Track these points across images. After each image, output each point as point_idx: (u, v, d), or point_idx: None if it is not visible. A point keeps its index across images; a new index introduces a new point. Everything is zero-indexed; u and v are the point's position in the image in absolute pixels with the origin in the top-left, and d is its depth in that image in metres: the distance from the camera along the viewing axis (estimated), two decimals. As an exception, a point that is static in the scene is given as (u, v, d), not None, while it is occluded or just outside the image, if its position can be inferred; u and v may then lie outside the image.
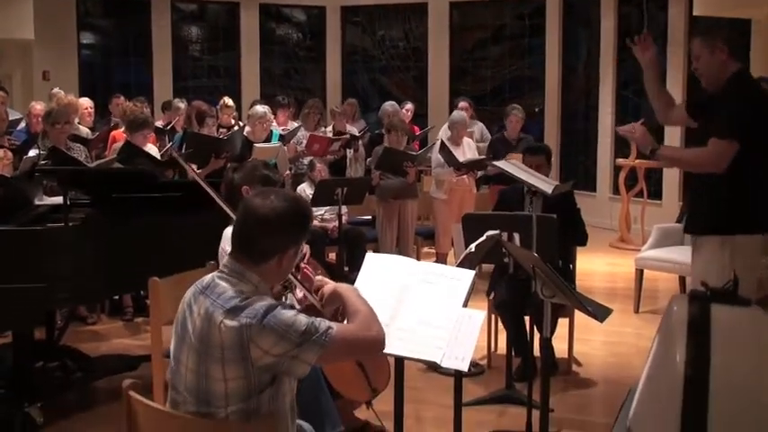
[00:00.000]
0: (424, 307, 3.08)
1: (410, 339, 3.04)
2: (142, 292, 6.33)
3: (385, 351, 3.03)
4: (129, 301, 6.56)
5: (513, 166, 4.57)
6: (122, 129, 7.17)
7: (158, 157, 6.45)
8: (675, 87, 9.95)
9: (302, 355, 2.32)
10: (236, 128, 8.28)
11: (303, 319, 2.35)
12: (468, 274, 3.14)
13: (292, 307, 2.43)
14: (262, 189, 2.59)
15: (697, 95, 4.41)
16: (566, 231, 4.86)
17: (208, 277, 2.47)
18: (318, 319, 2.40)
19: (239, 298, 2.34)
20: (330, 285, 2.68)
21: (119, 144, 6.65)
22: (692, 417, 1.80)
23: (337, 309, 2.63)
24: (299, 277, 2.82)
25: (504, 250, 4.44)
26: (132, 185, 4.83)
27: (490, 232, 3.65)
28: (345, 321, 2.59)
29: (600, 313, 3.29)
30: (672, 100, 4.33)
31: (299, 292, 2.89)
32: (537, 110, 12.06)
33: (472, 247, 3.52)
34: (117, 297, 6.59)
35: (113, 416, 2.43)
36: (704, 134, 3.80)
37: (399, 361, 3.27)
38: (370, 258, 3.28)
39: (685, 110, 4.18)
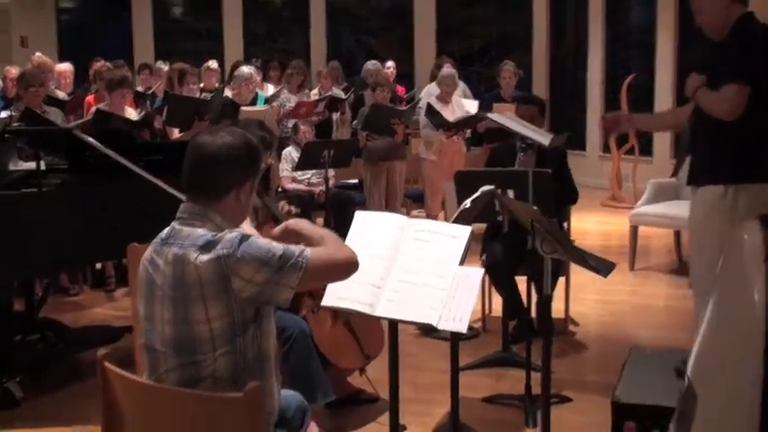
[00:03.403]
0: (417, 266, 2.91)
1: (404, 301, 2.87)
2: (125, 261, 6.14)
3: (377, 314, 2.89)
4: (111, 270, 6.37)
5: (507, 118, 4.39)
6: (94, 92, 6.93)
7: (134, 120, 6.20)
8: (666, 45, 9.79)
9: (283, 279, 2.27)
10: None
11: (277, 244, 2.30)
12: (465, 231, 2.96)
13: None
14: (210, 127, 2.52)
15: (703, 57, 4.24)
16: (556, 190, 4.72)
17: (164, 231, 2.37)
18: (290, 245, 2.34)
19: (209, 234, 2.27)
20: (278, 227, 2.59)
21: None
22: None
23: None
24: None
25: (497, 208, 4.29)
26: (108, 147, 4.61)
27: (485, 187, 3.47)
28: None
29: (603, 268, 3.12)
30: (680, 112, 4.20)
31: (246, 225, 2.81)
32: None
33: (467, 202, 3.34)
34: (99, 267, 6.42)
35: (95, 389, 2.30)
36: (715, 81, 3.62)
37: (393, 325, 3.10)
38: (360, 216, 3.10)
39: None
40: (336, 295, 2.94)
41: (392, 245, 2.98)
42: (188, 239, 2.26)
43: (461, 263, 2.90)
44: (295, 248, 2.31)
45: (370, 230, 3.05)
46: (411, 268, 2.92)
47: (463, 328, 2.79)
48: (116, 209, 4.41)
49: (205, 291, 2.21)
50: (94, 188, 4.40)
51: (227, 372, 2.26)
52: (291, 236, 2.51)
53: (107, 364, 2.21)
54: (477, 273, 2.89)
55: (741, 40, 3.58)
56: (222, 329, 2.23)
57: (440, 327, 2.80)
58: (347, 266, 2.45)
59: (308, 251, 2.32)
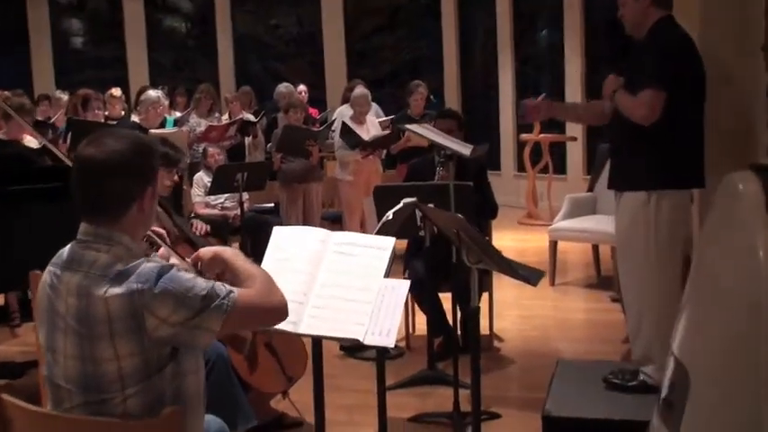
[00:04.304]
0: (341, 281, 2.77)
1: (327, 317, 2.72)
2: (30, 295, 5.82)
3: (301, 332, 2.74)
4: (15, 305, 6.04)
5: (427, 129, 4.31)
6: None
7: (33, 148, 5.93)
8: (573, 65, 9.95)
9: (204, 322, 2.03)
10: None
11: (202, 282, 2.06)
12: (388, 242, 2.84)
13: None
14: (89, 138, 2.25)
15: (620, 47, 4.24)
16: (477, 203, 4.67)
17: (65, 251, 2.12)
18: (218, 282, 2.11)
19: (120, 263, 2.02)
20: (209, 249, 2.35)
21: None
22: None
23: (219, 275, 2.29)
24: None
25: (419, 222, 4.20)
26: (5, 174, 4.37)
27: (407, 199, 3.38)
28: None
29: (532, 276, 3.05)
30: (594, 105, 4.18)
31: (163, 250, 2.56)
32: (433, 100, 11.85)
33: (389, 214, 3.24)
34: (2, 303, 6.09)
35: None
36: (632, 84, 3.60)
37: (317, 343, 2.95)
38: (278, 231, 2.95)
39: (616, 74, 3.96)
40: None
41: (313, 259, 2.83)
42: (94, 267, 2.02)
43: (386, 275, 2.78)
44: (222, 288, 2.07)
45: (290, 245, 2.90)
46: (334, 282, 2.78)
47: (391, 343, 2.66)
48: (15, 235, 4.17)
49: (114, 327, 1.97)
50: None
51: (141, 412, 2.02)
52: (219, 264, 2.28)
53: (5, 396, 2.00)
54: (403, 285, 2.76)
55: (658, 45, 3.59)
56: (134, 368, 1.99)
57: (366, 342, 2.66)
58: (277, 313, 2.24)
59: (236, 293, 2.09)
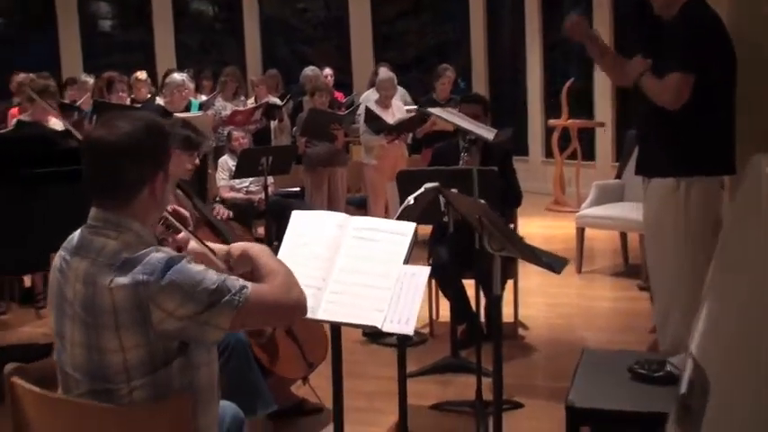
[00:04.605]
0: (359, 266, 2.72)
1: (346, 303, 2.67)
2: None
3: (319, 318, 2.69)
4: (40, 287, 6.06)
5: (450, 113, 4.23)
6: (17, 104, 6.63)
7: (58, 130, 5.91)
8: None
9: (213, 319, 1.95)
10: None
11: (212, 275, 1.97)
12: (409, 227, 2.77)
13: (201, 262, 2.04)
14: (101, 119, 2.19)
15: (649, 28, 4.06)
16: (502, 189, 4.58)
17: (75, 236, 2.06)
18: (232, 277, 2.03)
19: (127, 251, 1.95)
20: (240, 245, 2.30)
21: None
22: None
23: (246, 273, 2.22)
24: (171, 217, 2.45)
25: (443, 208, 4.13)
26: (31, 155, 4.35)
27: (429, 184, 3.31)
28: None
29: (556, 264, 2.96)
30: (628, 66, 3.99)
31: (183, 234, 2.47)
32: (461, 84, 11.74)
33: (410, 199, 3.17)
34: (29, 284, 6.12)
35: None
36: (659, 67, 3.49)
37: (336, 329, 2.90)
38: (297, 216, 2.90)
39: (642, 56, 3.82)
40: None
41: (332, 244, 2.78)
42: (102, 254, 1.96)
43: (406, 261, 2.72)
44: (234, 283, 2.00)
45: (308, 230, 2.85)
46: (353, 268, 2.73)
47: (410, 331, 2.60)
48: (39, 216, 4.15)
49: (119, 319, 1.91)
50: (17, 195, 4.12)
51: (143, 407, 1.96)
52: (248, 261, 2.22)
53: (15, 379, 1.97)
54: (423, 271, 2.70)
55: (688, 28, 3.47)
56: (139, 360, 1.93)
57: (385, 329, 2.60)
58: (291, 311, 2.15)
59: (249, 289, 2.01)
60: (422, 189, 3.26)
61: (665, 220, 3.58)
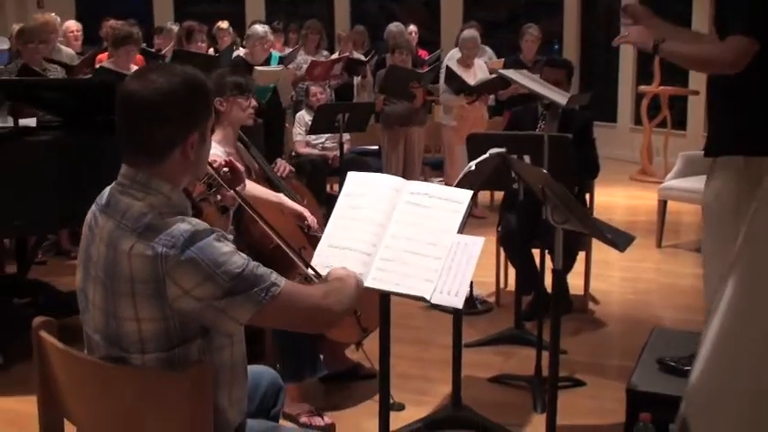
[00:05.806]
0: (411, 233, 2.59)
1: (395, 271, 2.55)
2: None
3: (367, 285, 2.59)
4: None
5: (522, 75, 4.03)
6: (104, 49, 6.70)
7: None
8: (700, 13, 9.34)
9: (231, 309, 1.82)
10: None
11: (239, 259, 1.83)
12: (465, 195, 2.63)
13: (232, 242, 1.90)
14: (137, 70, 2.06)
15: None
16: (578, 159, 4.37)
17: (106, 192, 1.95)
18: (268, 270, 1.89)
19: (152, 214, 1.84)
20: (339, 270, 2.28)
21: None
22: None
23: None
24: (221, 172, 2.36)
25: (513, 175, 3.97)
26: (106, 102, 4.35)
27: (494, 150, 3.16)
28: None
29: (621, 241, 2.80)
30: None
31: (231, 194, 2.38)
32: (555, 46, 11.37)
33: (472, 165, 3.03)
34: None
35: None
36: (722, 31, 3.17)
37: (385, 296, 2.81)
38: (352, 177, 2.79)
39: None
40: (325, 262, 2.64)
41: (386, 209, 2.66)
42: (126, 216, 1.85)
43: (460, 231, 2.59)
44: (266, 274, 1.86)
45: (363, 192, 2.74)
46: (404, 235, 2.61)
47: (459, 304, 2.47)
48: (104, 167, 4.15)
49: (136, 288, 1.81)
50: (83, 145, 4.12)
51: (159, 372, 1.87)
52: (335, 282, 2.16)
53: (42, 333, 1.93)
54: (477, 242, 2.56)
55: None
56: (155, 333, 1.83)
57: (433, 301, 2.48)
58: (321, 322, 2.09)
59: (282, 286, 1.87)
60: (486, 155, 3.11)
61: (729, 201, 3.24)
